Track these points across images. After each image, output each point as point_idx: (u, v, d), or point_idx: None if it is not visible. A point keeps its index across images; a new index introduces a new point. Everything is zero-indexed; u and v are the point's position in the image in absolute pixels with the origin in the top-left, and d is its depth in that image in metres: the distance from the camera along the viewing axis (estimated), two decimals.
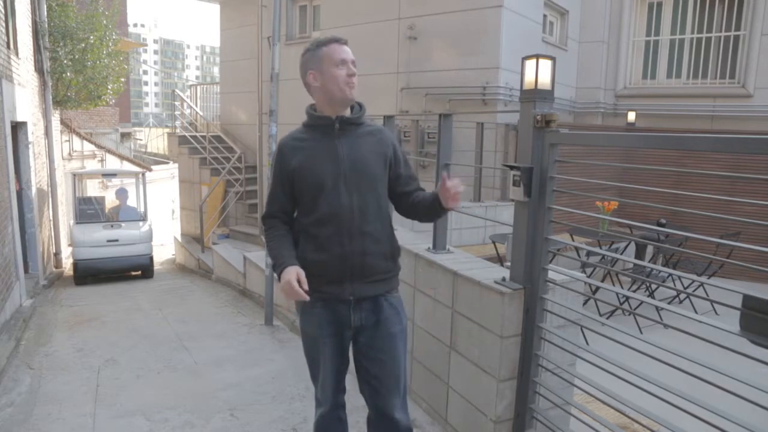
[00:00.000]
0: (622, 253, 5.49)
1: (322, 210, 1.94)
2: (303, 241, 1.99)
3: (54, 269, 9.34)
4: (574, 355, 2.32)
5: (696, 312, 4.93)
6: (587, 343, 3.93)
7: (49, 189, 9.35)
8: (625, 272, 3.39)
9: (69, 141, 12.75)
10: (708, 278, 5.09)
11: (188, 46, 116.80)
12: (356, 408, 2.92)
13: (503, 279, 2.42)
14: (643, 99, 8.81)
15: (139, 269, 9.20)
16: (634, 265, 5.47)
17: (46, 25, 9.17)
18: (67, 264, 9.89)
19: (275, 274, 1.95)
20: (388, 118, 3.87)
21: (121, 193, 10.06)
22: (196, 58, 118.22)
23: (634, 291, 5.62)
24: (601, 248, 5.16)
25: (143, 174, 10.49)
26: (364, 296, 1.98)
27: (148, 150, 27.40)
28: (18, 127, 7.29)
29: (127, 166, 15.72)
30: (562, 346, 2.29)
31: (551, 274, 2.32)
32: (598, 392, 2.09)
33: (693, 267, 5.51)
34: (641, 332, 4.36)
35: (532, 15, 7.72)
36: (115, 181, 12.83)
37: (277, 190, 2.04)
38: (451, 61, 7.60)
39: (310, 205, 1.96)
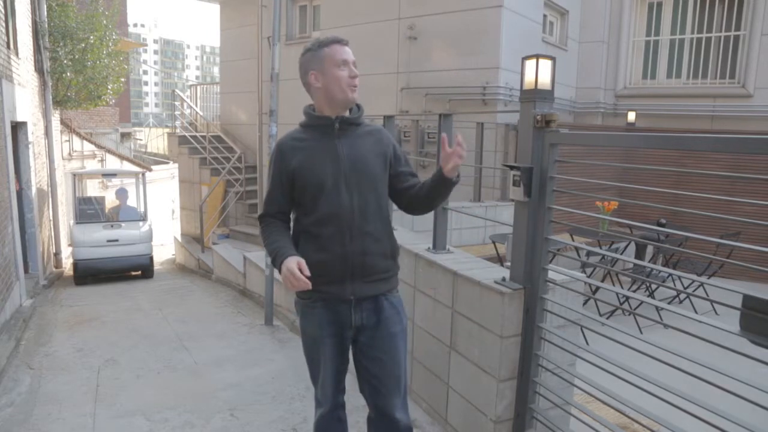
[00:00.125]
0: (622, 253, 5.49)
1: (322, 210, 1.93)
2: (303, 241, 1.99)
3: (54, 269, 9.34)
4: (574, 355, 2.33)
5: (696, 312, 4.93)
6: (587, 343, 3.93)
7: (49, 189, 9.35)
8: (625, 272, 3.38)
9: (69, 141, 12.75)
10: (708, 278, 5.09)
11: (188, 46, 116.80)
12: (356, 408, 2.93)
13: (503, 279, 2.42)
14: (643, 99, 8.81)
15: (139, 269, 9.21)
16: (634, 265, 5.47)
17: (46, 25, 9.17)
18: (67, 264, 9.89)
19: (275, 268, 1.91)
20: (388, 118, 3.86)
21: (121, 193, 10.07)
22: (196, 58, 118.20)
23: (634, 291, 5.62)
24: (601, 248, 5.16)
25: (143, 174, 10.49)
26: (365, 296, 1.98)
27: (148, 150, 27.41)
28: (18, 127, 7.29)
29: (127, 166, 15.73)
30: (562, 346, 2.29)
31: (551, 274, 2.32)
32: (598, 392, 2.09)
33: (693, 267, 5.51)
34: (641, 332, 4.36)
35: (532, 15, 7.72)
36: (115, 181, 12.84)
37: (276, 190, 2.02)
38: (451, 61, 7.60)
39: (310, 206, 1.96)
